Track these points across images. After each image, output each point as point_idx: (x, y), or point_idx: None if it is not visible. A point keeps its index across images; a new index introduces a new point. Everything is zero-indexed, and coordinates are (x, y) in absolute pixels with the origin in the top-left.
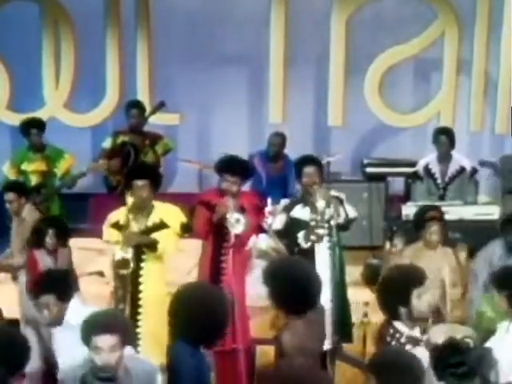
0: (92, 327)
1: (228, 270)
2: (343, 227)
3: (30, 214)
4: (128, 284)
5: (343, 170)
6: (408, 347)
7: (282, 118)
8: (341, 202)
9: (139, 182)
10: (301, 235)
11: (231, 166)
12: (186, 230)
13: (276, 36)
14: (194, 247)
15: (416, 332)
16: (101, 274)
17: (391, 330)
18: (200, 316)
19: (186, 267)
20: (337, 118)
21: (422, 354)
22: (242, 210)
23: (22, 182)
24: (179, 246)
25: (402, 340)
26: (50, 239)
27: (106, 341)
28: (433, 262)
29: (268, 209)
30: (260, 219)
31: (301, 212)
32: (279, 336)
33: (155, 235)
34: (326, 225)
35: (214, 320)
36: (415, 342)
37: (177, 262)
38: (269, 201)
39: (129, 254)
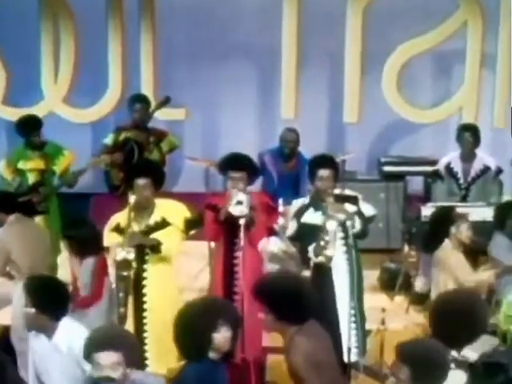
0: (94, 343)
1: (240, 274)
2: (361, 235)
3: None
4: (129, 286)
5: (359, 169)
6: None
7: (295, 113)
8: (356, 201)
9: (141, 181)
10: (311, 249)
11: (234, 162)
12: (192, 226)
13: (288, 27)
14: (201, 250)
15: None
16: None
17: None
18: (201, 332)
19: (193, 271)
20: (352, 113)
21: (460, 377)
22: (250, 208)
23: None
24: (184, 248)
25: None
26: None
27: (107, 358)
28: (465, 264)
29: (279, 210)
30: (272, 219)
31: (312, 217)
32: (289, 359)
33: (157, 235)
34: (341, 234)
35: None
36: (458, 363)
37: (183, 266)
38: (280, 201)
39: (131, 254)
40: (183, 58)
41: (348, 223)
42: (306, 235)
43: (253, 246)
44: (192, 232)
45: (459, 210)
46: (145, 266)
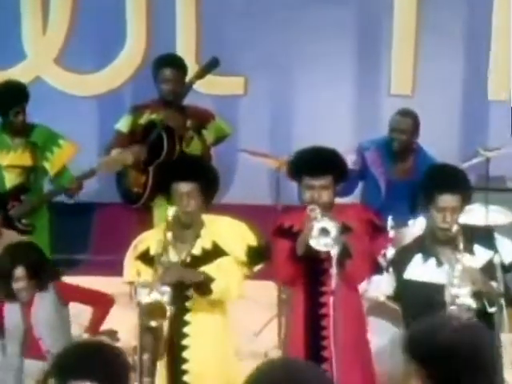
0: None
1: (330, 330)
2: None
3: None
4: (160, 344)
5: (509, 173)
6: None
7: (412, 87)
8: (489, 236)
9: (184, 186)
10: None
11: (312, 162)
12: (258, 259)
13: None
14: (266, 294)
15: None
16: (112, 334)
17: None
18: None
19: (254, 326)
20: (501, 87)
21: None
22: (344, 229)
23: None
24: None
25: None
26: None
27: None
28: None
29: (389, 234)
30: (378, 247)
31: (420, 269)
32: None
33: (207, 270)
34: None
35: None
36: None
37: (239, 318)
38: (389, 221)
39: (165, 295)
40: (241, 2)
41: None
42: (413, 296)
43: (349, 288)
44: (257, 267)
45: None
46: (186, 317)
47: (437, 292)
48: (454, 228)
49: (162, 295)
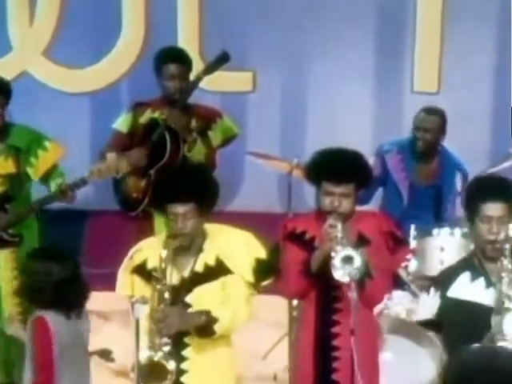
0: None
1: (344, 351)
2: None
3: None
4: None
5: None
6: None
7: (438, 84)
8: None
9: (179, 208)
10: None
11: (334, 168)
12: (267, 274)
13: None
14: (275, 310)
15: None
16: (106, 354)
17: None
18: None
19: (262, 347)
20: None
21: None
22: (361, 240)
23: None
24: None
25: None
26: None
27: None
28: None
29: (411, 245)
30: (396, 261)
31: (466, 288)
32: None
33: (209, 290)
34: None
35: None
36: None
37: (245, 338)
38: (412, 230)
39: (164, 356)
40: None
41: None
42: (456, 317)
43: (365, 305)
44: (266, 283)
45: None
46: (184, 353)
47: (484, 314)
48: (505, 245)
49: (160, 353)
